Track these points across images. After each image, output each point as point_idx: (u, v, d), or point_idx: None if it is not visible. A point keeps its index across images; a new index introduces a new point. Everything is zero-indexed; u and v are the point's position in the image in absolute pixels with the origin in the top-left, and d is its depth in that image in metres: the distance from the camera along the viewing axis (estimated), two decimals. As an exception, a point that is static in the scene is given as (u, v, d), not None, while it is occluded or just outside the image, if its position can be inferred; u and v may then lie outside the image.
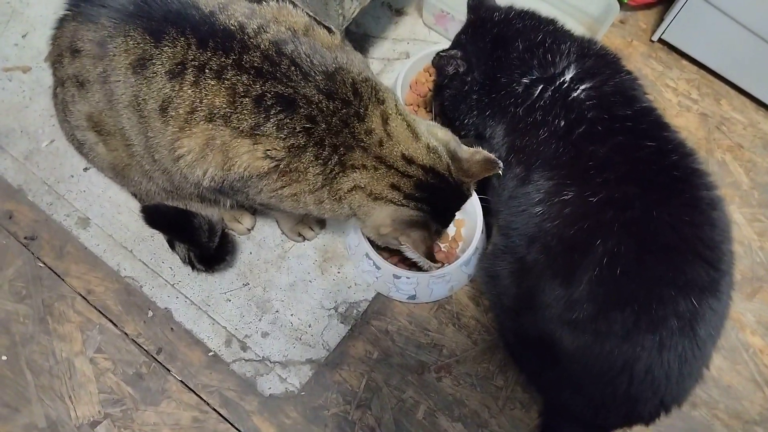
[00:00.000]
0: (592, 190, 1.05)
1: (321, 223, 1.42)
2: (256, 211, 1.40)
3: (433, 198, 1.10)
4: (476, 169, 1.13)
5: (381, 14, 1.68)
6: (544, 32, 1.20)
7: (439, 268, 1.28)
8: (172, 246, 1.34)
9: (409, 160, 1.07)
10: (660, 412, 1.07)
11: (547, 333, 1.08)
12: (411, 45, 1.64)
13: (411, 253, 1.13)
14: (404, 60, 1.60)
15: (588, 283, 1.01)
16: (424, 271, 1.23)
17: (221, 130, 1.01)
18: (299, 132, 1.01)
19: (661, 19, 1.70)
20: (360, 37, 1.63)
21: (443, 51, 1.25)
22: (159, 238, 1.38)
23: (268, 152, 1.01)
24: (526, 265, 1.13)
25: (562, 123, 1.11)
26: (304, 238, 1.40)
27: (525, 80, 1.17)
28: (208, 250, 1.24)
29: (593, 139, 1.09)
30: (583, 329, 1.03)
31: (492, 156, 1.13)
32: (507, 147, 1.19)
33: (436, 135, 1.14)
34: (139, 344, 1.33)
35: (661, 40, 1.71)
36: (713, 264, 1.00)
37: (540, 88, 1.16)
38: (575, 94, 1.13)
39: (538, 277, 1.09)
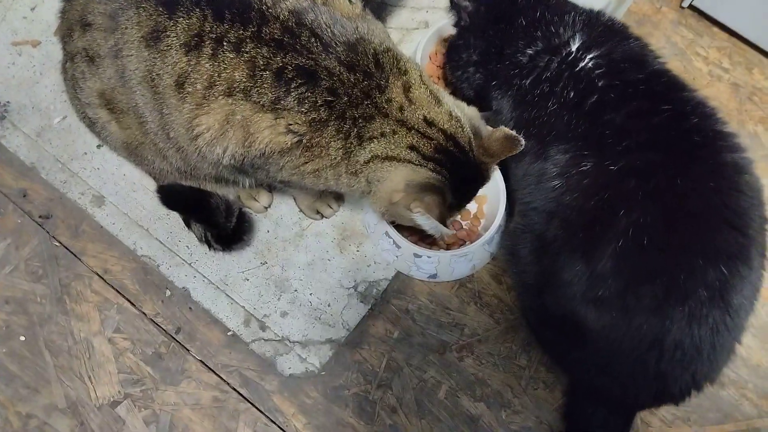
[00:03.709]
0: (611, 159, 1.02)
1: (339, 200, 1.39)
2: (273, 188, 1.37)
3: (452, 166, 1.05)
4: (497, 146, 1.09)
5: (399, -18, 1.62)
6: (547, 3, 1.18)
7: (458, 243, 1.23)
8: (188, 225, 1.32)
9: (430, 123, 1.03)
10: (691, 390, 1.04)
11: (570, 311, 1.06)
12: (430, 14, 1.58)
13: (423, 220, 1.06)
14: (423, 30, 1.55)
15: (611, 257, 0.98)
16: (437, 244, 1.18)
17: (241, 105, 0.98)
18: (321, 106, 0.97)
19: (691, -16, 1.63)
20: (376, 6, 1.58)
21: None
22: (175, 217, 1.36)
23: (290, 127, 0.98)
24: (546, 241, 1.10)
25: (572, 94, 1.09)
26: (322, 216, 1.37)
27: (529, 51, 1.15)
28: (226, 230, 1.22)
29: (607, 108, 1.06)
30: (608, 306, 1.00)
31: (513, 133, 1.08)
32: (515, 121, 1.17)
33: (462, 108, 1.10)
34: (157, 324, 1.31)
35: (691, 6, 1.64)
36: (741, 230, 0.98)
37: (546, 59, 1.13)
38: (583, 64, 1.11)
39: (558, 254, 1.06)
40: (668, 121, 1.03)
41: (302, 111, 0.97)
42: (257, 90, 0.96)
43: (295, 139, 0.99)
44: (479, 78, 1.24)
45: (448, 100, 1.08)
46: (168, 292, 1.33)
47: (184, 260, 1.34)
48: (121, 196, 1.39)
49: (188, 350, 1.29)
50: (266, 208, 1.38)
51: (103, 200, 1.39)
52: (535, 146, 1.13)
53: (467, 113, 1.10)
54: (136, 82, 1.04)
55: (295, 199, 1.38)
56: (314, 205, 1.35)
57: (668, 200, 0.98)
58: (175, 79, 0.99)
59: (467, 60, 1.24)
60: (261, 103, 0.97)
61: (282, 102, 0.97)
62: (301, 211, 1.38)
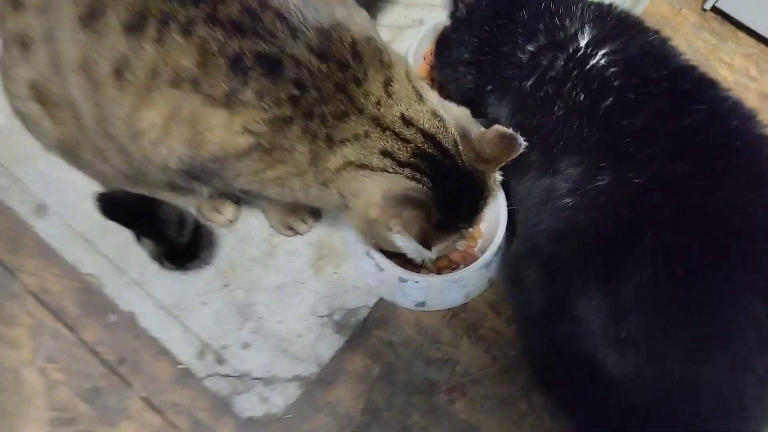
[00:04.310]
0: (633, 171, 0.86)
1: (316, 215, 1.21)
2: (240, 199, 1.20)
3: (434, 172, 0.89)
4: (491, 149, 0.92)
5: (391, -24, 1.46)
6: None
7: (435, 260, 1.06)
8: (138, 239, 1.14)
9: (407, 122, 0.87)
10: None
11: (584, 352, 0.88)
12: (426, 11, 1.43)
13: (402, 241, 0.90)
14: (418, 28, 1.39)
15: (636, 287, 0.82)
16: (417, 264, 1.01)
17: (189, 97, 0.83)
18: (284, 101, 0.82)
19: (714, -15, 1.49)
20: (366, 1, 1.42)
21: None
22: (127, 230, 1.18)
23: (248, 125, 0.83)
24: (555, 268, 0.93)
25: (582, 96, 0.93)
26: (296, 232, 1.20)
27: (529, 47, 1.00)
28: (178, 246, 1.04)
29: (626, 111, 0.91)
30: (632, 347, 0.83)
31: (508, 130, 0.92)
32: (515, 129, 0.99)
33: (448, 108, 0.94)
34: (97, 353, 1.13)
35: (714, 9, 1.49)
36: None
37: (549, 56, 0.98)
38: (593, 62, 0.95)
39: (570, 283, 0.90)
40: (702, 124, 0.87)
41: (262, 107, 0.82)
42: (208, 80, 0.81)
43: (253, 141, 0.84)
44: (470, 81, 1.08)
45: (432, 98, 0.93)
46: (112, 317, 1.15)
47: (133, 280, 1.16)
48: (67, 205, 1.22)
49: (131, 385, 1.11)
50: (231, 222, 1.20)
51: (46, 209, 1.22)
52: (541, 159, 0.97)
53: (455, 113, 0.94)
54: (70, 69, 0.90)
55: (264, 213, 1.20)
56: (286, 219, 1.18)
57: (705, 218, 0.82)
58: (113, 66, 0.85)
59: (458, 58, 1.09)
60: (213, 96, 0.82)
61: (238, 95, 0.82)
62: (271, 226, 1.21)
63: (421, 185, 0.88)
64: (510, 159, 0.94)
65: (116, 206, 0.97)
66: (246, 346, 1.13)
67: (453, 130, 0.90)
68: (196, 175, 0.93)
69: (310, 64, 0.83)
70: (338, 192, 0.90)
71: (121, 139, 0.91)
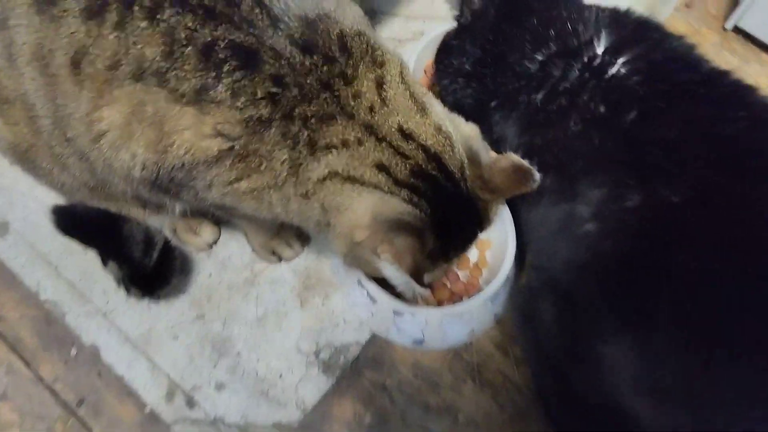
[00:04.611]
0: (669, 189, 0.75)
1: (303, 239, 1.09)
2: (220, 220, 1.08)
3: (434, 197, 0.77)
4: (500, 180, 0.81)
5: (392, -12, 1.38)
6: (564, 3, 0.94)
7: (427, 297, 0.94)
8: (105, 262, 1.02)
9: (407, 135, 0.76)
10: None
11: (610, 400, 0.75)
12: (428, 24, 1.34)
13: (391, 271, 0.78)
14: (418, 41, 1.29)
15: (674, 324, 0.70)
16: (410, 300, 0.88)
17: (153, 93, 0.72)
18: (262, 99, 0.71)
19: (734, 3, 1.40)
20: (365, 14, 1.33)
21: None
22: (95, 254, 1.06)
23: (219, 127, 0.72)
24: (576, 302, 0.81)
25: (602, 108, 0.83)
26: (280, 258, 1.08)
27: (538, 56, 0.90)
28: (144, 269, 0.92)
29: (655, 121, 0.80)
30: (670, 397, 0.71)
31: (524, 162, 0.80)
32: (525, 149, 0.89)
33: (456, 123, 0.83)
34: (55, 392, 1.00)
35: (736, 29, 1.40)
36: None
37: (562, 65, 0.87)
38: (613, 71, 0.85)
39: (593, 321, 0.78)
40: (745, 132, 0.77)
41: (236, 106, 0.71)
42: (176, 73, 0.71)
43: (226, 145, 0.73)
44: (470, 94, 0.98)
45: (438, 110, 0.81)
46: (74, 351, 1.03)
47: (97, 309, 1.04)
48: (30, 223, 1.11)
49: (90, 430, 0.98)
50: (209, 245, 1.09)
51: (7, 227, 1.10)
52: (557, 182, 0.85)
53: (463, 131, 0.83)
54: (24, 60, 0.79)
55: (246, 235, 1.08)
56: (270, 243, 1.06)
57: (759, 242, 0.69)
58: (70, 57, 0.74)
59: (458, 68, 0.98)
60: (180, 92, 0.71)
61: (209, 92, 0.71)
62: (254, 250, 1.09)
63: (418, 210, 0.77)
64: (520, 193, 0.83)
65: (74, 220, 0.85)
66: (220, 387, 0.99)
67: (460, 150, 0.79)
68: (163, 186, 0.81)
69: (292, 58, 0.72)
70: (321, 206, 0.78)
71: (79, 143, 0.80)
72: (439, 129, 0.78)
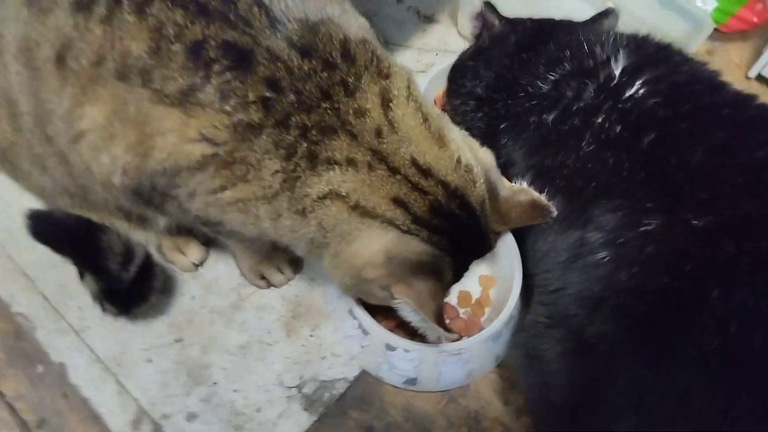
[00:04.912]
0: (691, 212, 0.68)
1: (296, 265, 1.03)
2: (209, 241, 1.02)
3: (456, 236, 0.73)
4: (516, 214, 0.77)
5: (406, 19, 1.36)
6: (583, 26, 0.93)
7: (454, 340, 0.87)
8: (82, 275, 0.96)
9: (424, 171, 0.70)
10: None
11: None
12: (440, 57, 1.31)
13: (409, 313, 0.73)
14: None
15: (698, 365, 0.63)
16: (411, 331, 0.82)
17: (137, 92, 0.67)
18: (253, 103, 0.66)
19: (758, 52, 1.36)
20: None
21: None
22: (72, 267, 1.00)
23: (205, 131, 0.67)
24: (587, 342, 0.74)
25: (618, 128, 0.78)
26: (270, 283, 1.01)
27: (551, 75, 0.86)
28: (121, 283, 0.85)
29: (677, 144, 0.75)
30: None
31: (543, 200, 0.76)
32: (533, 173, 0.84)
33: (474, 150, 0.78)
34: (16, 411, 0.93)
35: (759, 77, 1.35)
36: None
37: (576, 85, 0.83)
38: (631, 91, 0.80)
39: (608, 361, 0.70)
40: None
41: (225, 109, 0.66)
42: (162, 72, 0.67)
43: (210, 151, 0.68)
44: (481, 119, 0.93)
45: (456, 137, 0.75)
46: (40, 368, 0.96)
47: (69, 326, 0.97)
48: (11, 233, 1.05)
49: (49, 456, 0.90)
50: (196, 265, 1.02)
51: (-14, 236, 1.05)
52: (567, 207, 0.79)
53: (482, 160, 0.78)
54: (11, 54, 0.76)
55: (235, 257, 1.02)
56: (259, 266, 1.00)
57: None
58: (56, 50, 0.71)
59: (470, 90, 0.94)
60: (165, 92, 0.67)
61: (196, 93, 0.66)
62: (242, 274, 1.02)
63: (439, 251, 0.72)
64: (532, 224, 0.79)
65: (49, 227, 0.80)
66: (192, 417, 0.91)
67: (482, 184, 0.74)
68: (145, 195, 0.76)
69: (289, 61, 0.67)
70: (319, 226, 0.72)
71: (60, 143, 0.76)
72: (458, 161, 0.72)
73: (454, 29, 1.34)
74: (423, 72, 1.28)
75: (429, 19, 1.36)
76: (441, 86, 1.18)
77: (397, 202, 0.70)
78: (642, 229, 0.70)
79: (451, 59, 1.14)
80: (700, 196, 0.69)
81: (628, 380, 0.66)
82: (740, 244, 0.64)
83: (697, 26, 1.22)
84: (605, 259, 0.72)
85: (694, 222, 0.67)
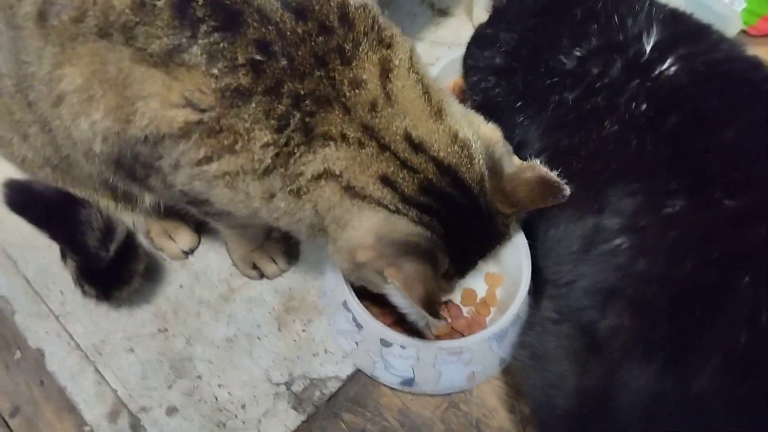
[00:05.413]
0: (721, 191, 0.62)
1: (290, 256, 0.97)
2: (201, 226, 0.97)
3: (449, 216, 0.68)
4: (524, 193, 0.72)
5: (419, 12, 1.32)
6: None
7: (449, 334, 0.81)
8: (64, 256, 0.91)
9: (416, 145, 0.66)
10: None
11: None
12: (453, 50, 1.25)
13: (398, 298, 0.68)
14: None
15: (723, 363, 0.56)
16: (411, 327, 0.76)
17: (118, 51, 0.63)
18: (242, 66, 0.62)
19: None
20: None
21: None
22: (56, 250, 0.96)
23: (189, 96, 0.62)
24: (598, 338, 0.67)
25: (644, 107, 0.73)
26: (262, 274, 0.95)
27: (577, 51, 0.80)
28: (100, 262, 0.80)
29: (708, 122, 0.70)
30: None
31: (551, 175, 0.71)
32: (548, 154, 0.78)
33: (476, 126, 0.73)
34: (-11, 398, 0.88)
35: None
36: None
37: (602, 61, 0.77)
38: (662, 68, 0.74)
39: (621, 360, 0.63)
40: None
41: (212, 73, 0.62)
42: (145, 30, 0.63)
43: (194, 117, 0.63)
44: (498, 94, 0.87)
45: (455, 111, 0.71)
46: (18, 354, 0.91)
47: (50, 310, 0.93)
48: (-5, 213, 1.01)
49: (19, 447, 0.84)
50: (186, 253, 0.97)
51: (-30, 216, 1.01)
52: (582, 191, 0.73)
53: (484, 135, 0.72)
54: None
55: (227, 246, 0.97)
56: (252, 255, 0.94)
57: None
58: (38, 7, 0.67)
59: (489, 63, 0.88)
60: (149, 51, 0.63)
61: (181, 54, 0.62)
62: (234, 264, 0.97)
63: (429, 232, 0.67)
64: (545, 206, 0.73)
65: (26, 197, 0.75)
66: (172, 411, 0.85)
67: (480, 161, 0.69)
68: (127, 166, 0.72)
69: (282, 23, 0.63)
70: (314, 209, 0.68)
71: (41, 108, 0.72)
72: (455, 136, 0.68)
73: (469, 23, 1.29)
74: (434, 65, 1.24)
75: (443, 13, 1.32)
76: (450, 78, 1.13)
77: (386, 181, 0.66)
78: (665, 211, 0.64)
79: (462, 51, 1.09)
80: (733, 175, 0.63)
81: (641, 383, 0.59)
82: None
83: (723, 25, 1.16)
84: (623, 246, 0.66)
85: (726, 202, 0.61)
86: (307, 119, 0.64)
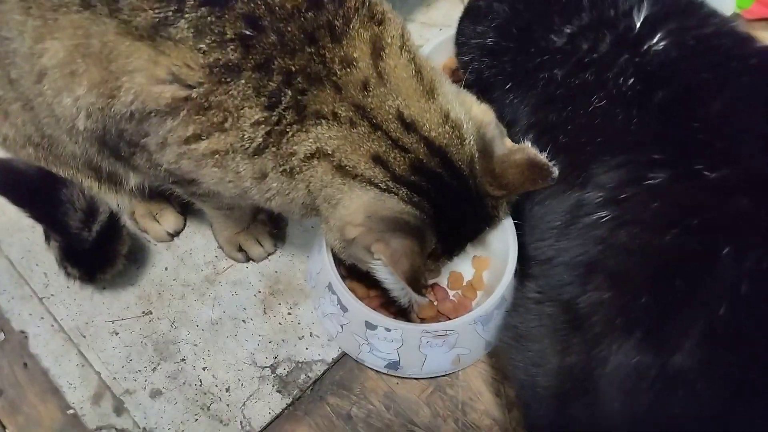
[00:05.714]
0: (704, 163, 0.62)
1: (277, 238, 0.97)
2: (186, 208, 0.96)
3: (438, 196, 0.68)
4: (513, 175, 0.72)
5: (410, -7, 1.30)
6: None
7: (434, 318, 0.80)
8: (48, 237, 0.90)
9: (407, 125, 0.66)
10: None
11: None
12: (444, 31, 1.24)
13: (384, 273, 0.68)
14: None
15: (706, 338, 0.55)
16: (407, 313, 0.76)
17: (102, 24, 0.62)
18: (230, 41, 0.61)
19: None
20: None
21: None
22: (40, 231, 0.95)
23: (176, 71, 0.62)
24: (579, 315, 0.67)
25: (631, 81, 0.72)
26: (248, 257, 0.95)
27: (567, 28, 0.79)
28: (83, 243, 0.79)
29: (695, 94, 0.69)
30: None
31: (541, 157, 0.71)
32: (537, 130, 0.79)
33: (468, 106, 0.72)
34: (-28, 381, 0.87)
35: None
36: None
37: (592, 36, 0.77)
38: (651, 42, 0.74)
39: (601, 334, 0.62)
40: None
41: (199, 47, 0.61)
42: (130, 2, 0.62)
43: (182, 93, 0.62)
44: (489, 74, 0.86)
45: (447, 91, 0.71)
46: (1, 336, 0.90)
47: (33, 292, 0.92)
48: (-20, 196, 1.00)
49: (4, 428, 0.84)
50: (171, 235, 0.96)
51: (-45, 198, 1.00)
52: (568, 166, 0.73)
53: (476, 116, 0.72)
54: None
55: (213, 228, 0.96)
56: (237, 237, 0.93)
57: None
58: None
59: (481, 40, 0.87)
60: (134, 24, 0.62)
61: (168, 28, 0.61)
62: (219, 246, 0.96)
63: (418, 210, 0.67)
64: (533, 189, 0.74)
65: (5, 174, 0.74)
66: (156, 394, 0.85)
67: (471, 142, 0.69)
68: (111, 144, 0.71)
69: None
70: (307, 189, 0.68)
71: (23, 85, 0.71)
72: (446, 117, 0.68)
73: (460, 5, 1.28)
74: (423, 47, 1.23)
75: (434, -6, 1.30)
76: (441, 60, 1.12)
77: (377, 160, 0.66)
78: (647, 183, 0.64)
79: (452, 32, 1.07)
80: (716, 145, 0.63)
81: (621, 357, 0.58)
82: (757, 199, 0.57)
83: (717, 8, 1.15)
84: (604, 219, 0.66)
85: (707, 173, 0.61)
86: (299, 97, 0.63)
